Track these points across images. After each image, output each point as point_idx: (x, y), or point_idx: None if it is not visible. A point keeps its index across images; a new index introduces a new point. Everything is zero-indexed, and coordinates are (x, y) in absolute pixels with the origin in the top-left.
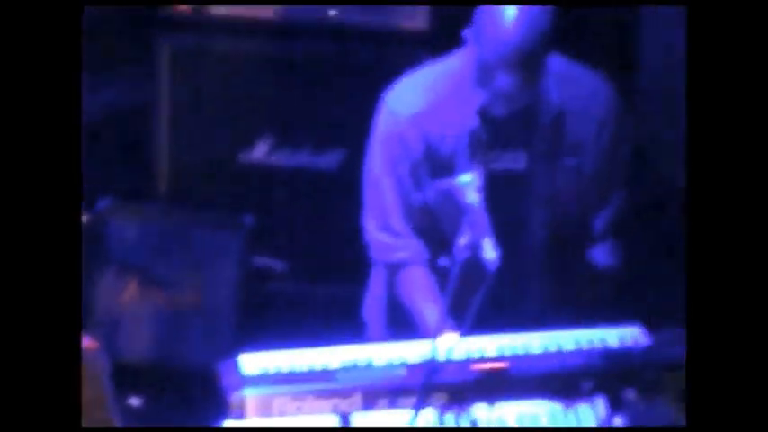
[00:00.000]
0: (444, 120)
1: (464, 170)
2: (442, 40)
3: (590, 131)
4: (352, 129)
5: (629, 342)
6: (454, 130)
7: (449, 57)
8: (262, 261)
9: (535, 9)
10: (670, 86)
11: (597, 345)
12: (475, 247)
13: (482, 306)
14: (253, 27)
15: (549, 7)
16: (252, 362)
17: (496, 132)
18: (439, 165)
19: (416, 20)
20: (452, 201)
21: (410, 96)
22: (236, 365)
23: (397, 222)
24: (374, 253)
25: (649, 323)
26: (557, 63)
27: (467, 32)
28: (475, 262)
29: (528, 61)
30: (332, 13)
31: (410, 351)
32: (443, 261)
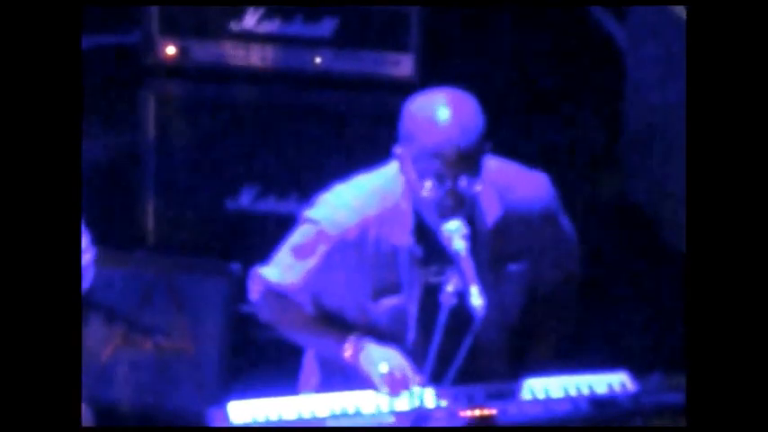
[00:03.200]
0: (376, 238)
1: (400, 287)
2: (427, 87)
3: (533, 233)
4: (338, 176)
5: (616, 389)
6: (386, 249)
7: (373, 173)
8: (250, 308)
9: (468, 108)
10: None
11: (585, 392)
12: (461, 295)
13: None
14: (238, 74)
15: (479, 110)
16: (241, 410)
17: (434, 247)
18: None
19: (402, 67)
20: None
21: (339, 216)
22: (224, 413)
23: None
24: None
25: (637, 369)
26: (493, 169)
27: (396, 148)
28: (460, 309)
29: (469, 157)
30: (317, 60)
31: (398, 398)
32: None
